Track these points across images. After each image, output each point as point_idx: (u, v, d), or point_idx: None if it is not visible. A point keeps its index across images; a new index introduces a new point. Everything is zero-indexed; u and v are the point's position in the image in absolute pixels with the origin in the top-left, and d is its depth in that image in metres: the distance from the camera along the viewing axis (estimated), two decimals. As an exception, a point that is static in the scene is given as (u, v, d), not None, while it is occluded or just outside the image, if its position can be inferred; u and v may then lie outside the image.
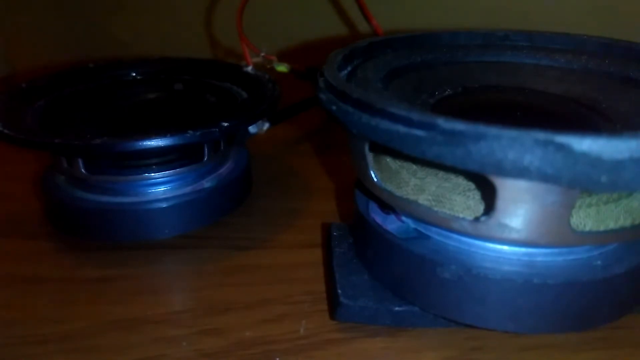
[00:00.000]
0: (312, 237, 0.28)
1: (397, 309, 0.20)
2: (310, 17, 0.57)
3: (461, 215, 0.18)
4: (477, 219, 0.18)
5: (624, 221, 0.18)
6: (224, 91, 0.33)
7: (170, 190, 0.28)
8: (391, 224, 0.22)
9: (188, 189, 0.28)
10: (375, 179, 0.20)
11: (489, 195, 0.17)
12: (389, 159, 0.22)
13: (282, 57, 0.38)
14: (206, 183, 0.29)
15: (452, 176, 0.20)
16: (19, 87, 0.31)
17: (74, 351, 0.21)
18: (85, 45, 0.61)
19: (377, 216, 0.22)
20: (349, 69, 0.23)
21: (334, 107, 0.19)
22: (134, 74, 0.36)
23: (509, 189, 0.16)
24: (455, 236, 0.20)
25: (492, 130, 0.14)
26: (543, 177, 0.14)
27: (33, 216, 0.30)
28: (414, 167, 0.21)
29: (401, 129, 0.16)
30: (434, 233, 0.20)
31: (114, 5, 0.60)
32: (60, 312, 0.23)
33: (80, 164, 0.26)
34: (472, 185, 0.19)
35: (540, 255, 0.19)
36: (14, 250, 0.27)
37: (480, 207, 0.18)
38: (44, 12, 0.60)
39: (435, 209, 0.19)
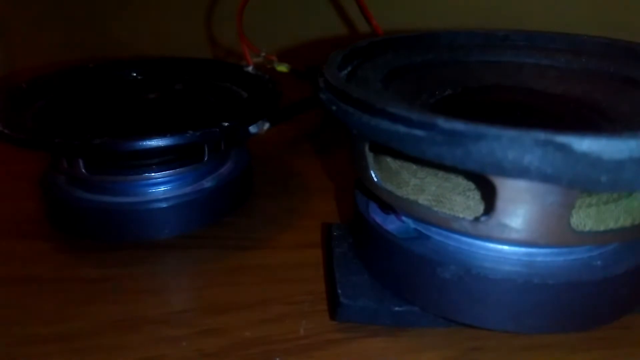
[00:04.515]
0: (312, 237, 0.28)
1: (397, 309, 0.20)
2: (310, 17, 0.57)
3: (461, 215, 0.18)
4: (477, 219, 0.18)
5: (624, 221, 0.18)
6: (224, 91, 0.33)
7: (170, 190, 0.28)
8: (391, 224, 0.22)
9: (188, 189, 0.28)
10: (375, 179, 0.20)
11: (489, 195, 0.17)
12: (389, 159, 0.22)
13: (282, 57, 0.39)
14: (206, 183, 0.29)
15: (452, 176, 0.20)
16: (19, 87, 0.31)
17: (74, 351, 0.21)
18: (85, 45, 0.61)
19: (377, 216, 0.22)
20: (349, 69, 0.23)
21: (334, 107, 0.19)
22: (134, 74, 0.36)
23: (509, 189, 0.16)
24: (455, 236, 0.20)
25: (492, 130, 0.14)
26: (543, 177, 0.14)
27: (33, 216, 0.30)
28: (414, 167, 0.21)
29: (401, 129, 0.16)
30: (434, 233, 0.20)
31: (113, 5, 0.60)
32: (60, 312, 0.23)
33: (80, 164, 0.26)
34: (472, 185, 0.19)
35: (540, 255, 0.19)
36: (14, 250, 0.27)
37: (480, 207, 0.18)
38: (44, 12, 0.60)
39: (435, 209, 0.19)
